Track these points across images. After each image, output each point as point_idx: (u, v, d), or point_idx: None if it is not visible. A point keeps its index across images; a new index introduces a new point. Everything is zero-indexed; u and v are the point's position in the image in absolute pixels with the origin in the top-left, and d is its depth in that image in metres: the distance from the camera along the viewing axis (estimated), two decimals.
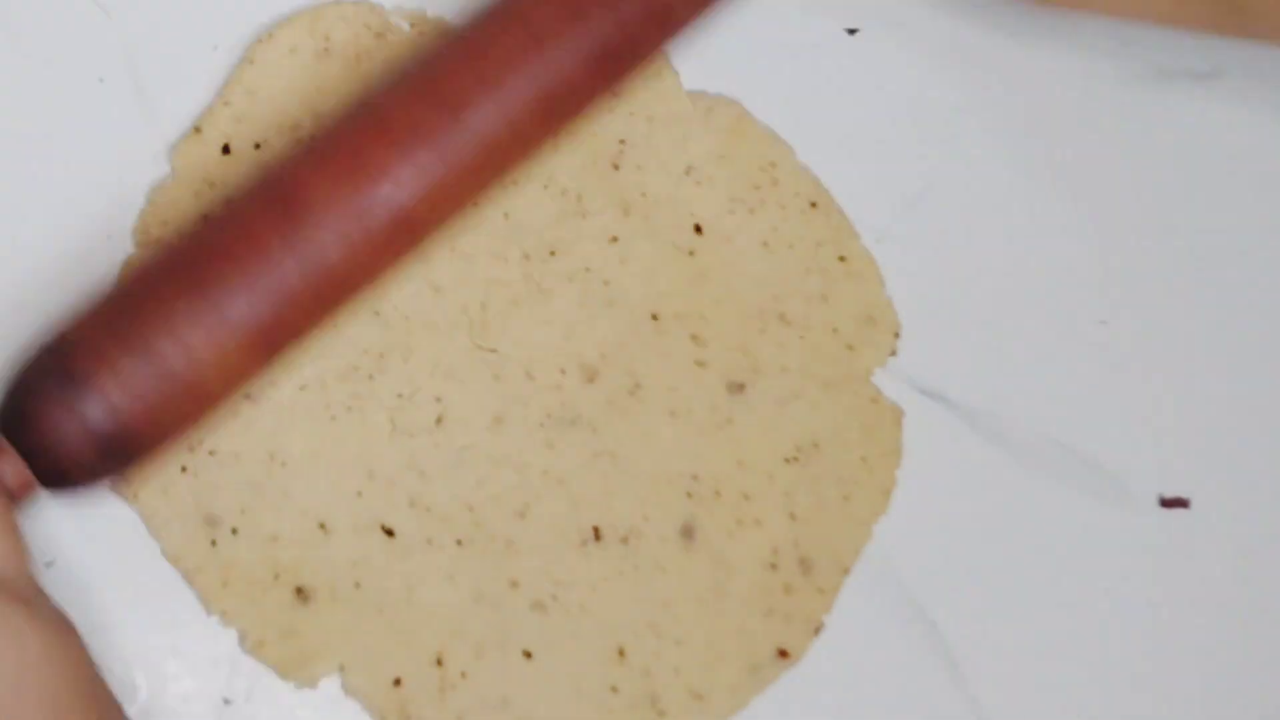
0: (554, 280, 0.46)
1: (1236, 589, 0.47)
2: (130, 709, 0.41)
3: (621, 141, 0.48)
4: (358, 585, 0.43)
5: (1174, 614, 0.47)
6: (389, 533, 0.43)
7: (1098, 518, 0.47)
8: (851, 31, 0.50)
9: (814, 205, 0.49)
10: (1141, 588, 0.47)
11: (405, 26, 0.48)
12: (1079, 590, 0.47)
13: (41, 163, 0.44)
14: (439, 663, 0.43)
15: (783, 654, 0.45)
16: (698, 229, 0.48)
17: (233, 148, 0.45)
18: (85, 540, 0.42)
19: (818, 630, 0.45)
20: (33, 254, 0.44)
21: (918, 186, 0.50)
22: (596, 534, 0.45)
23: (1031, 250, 0.50)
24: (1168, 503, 0.48)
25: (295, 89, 0.46)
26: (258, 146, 0.45)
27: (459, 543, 0.44)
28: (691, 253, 0.47)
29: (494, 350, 0.45)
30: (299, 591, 0.42)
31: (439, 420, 0.45)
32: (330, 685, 0.42)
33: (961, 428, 0.48)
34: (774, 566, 0.45)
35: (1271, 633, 0.47)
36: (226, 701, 0.42)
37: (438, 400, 0.45)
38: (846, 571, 0.46)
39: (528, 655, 0.43)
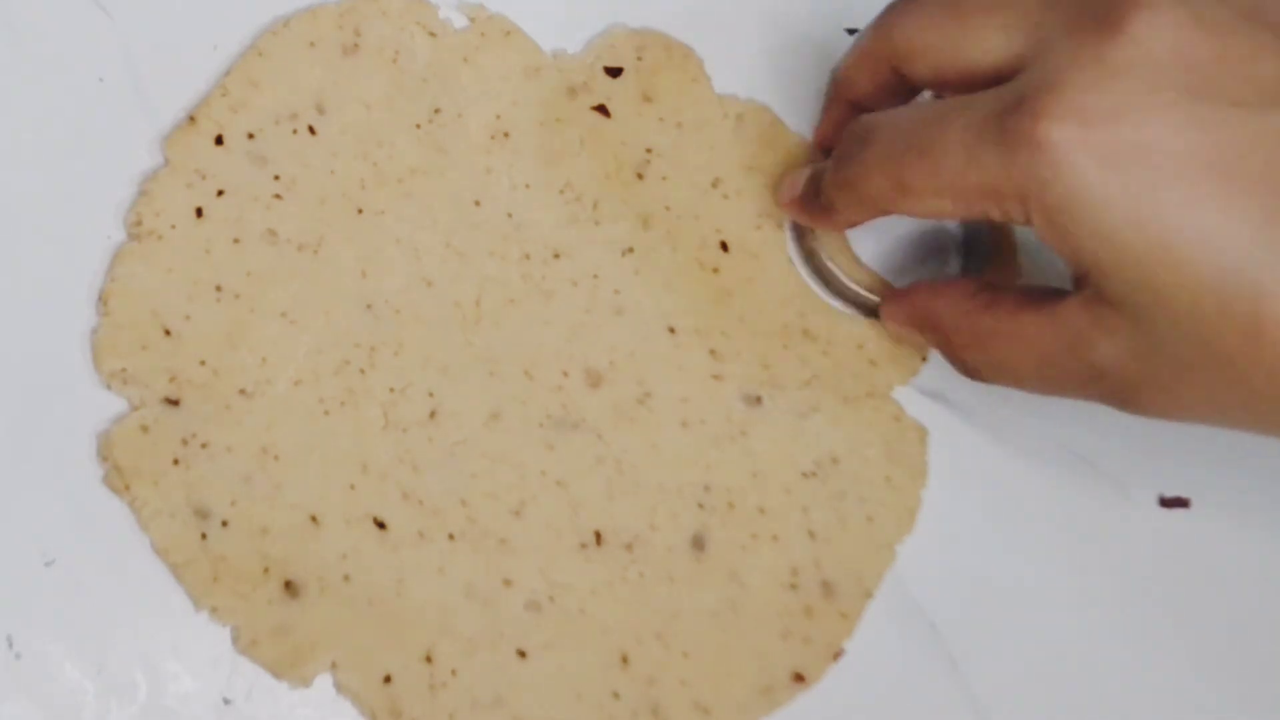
0: (556, 283, 0.46)
1: (1237, 589, 0.47)
2: (130, 709, 0.41)
3: (649, 150, 0.48)
4: (347, 578, 0.42)
5: (1174, 614, 0.47)
6: (380, 525, 0.43)
7: (1098, 518, 0.47)
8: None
9: None
10: (1141, 587, 0.47)
11: (463, 21, 0.48)
12: (1082, 593, 0.46)
13: (42, 160, 0.44)
14: (428, 659, 0.42)
15: (798, 678, 0.44)
16: (723, 246, 0.47)
17: (226, 138, 0.45)
18: (84, 539, 0.42)
19: (837, 656, 0.44)
20: (26, 246, 0.44)
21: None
22: (598, 538, 0.44)
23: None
24: (1167, 503, 0.47)
25: (305, 83, 0.46)
26: (251, 137, 0.45)
27: (451, 537, 0.43)
28: (716, 270, 0.47)
29: (488, 347, 0.45)
30: (288, 585, 0.42)
31: (432, 415, 0.44)
32: (328, 684, 0.42)
33: (962, 430, 0.47)
34: (794, 587, 0.45)
35: (1272, 632, 0.47)
36: (226, 701, 0.41)
37: (430, 395, 0.44)
38: (870, 596, 0.45)
39: (522, 655, 0.43)
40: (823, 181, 0.45)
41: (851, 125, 0.43)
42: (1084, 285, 0.39)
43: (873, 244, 0.48)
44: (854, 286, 0.47)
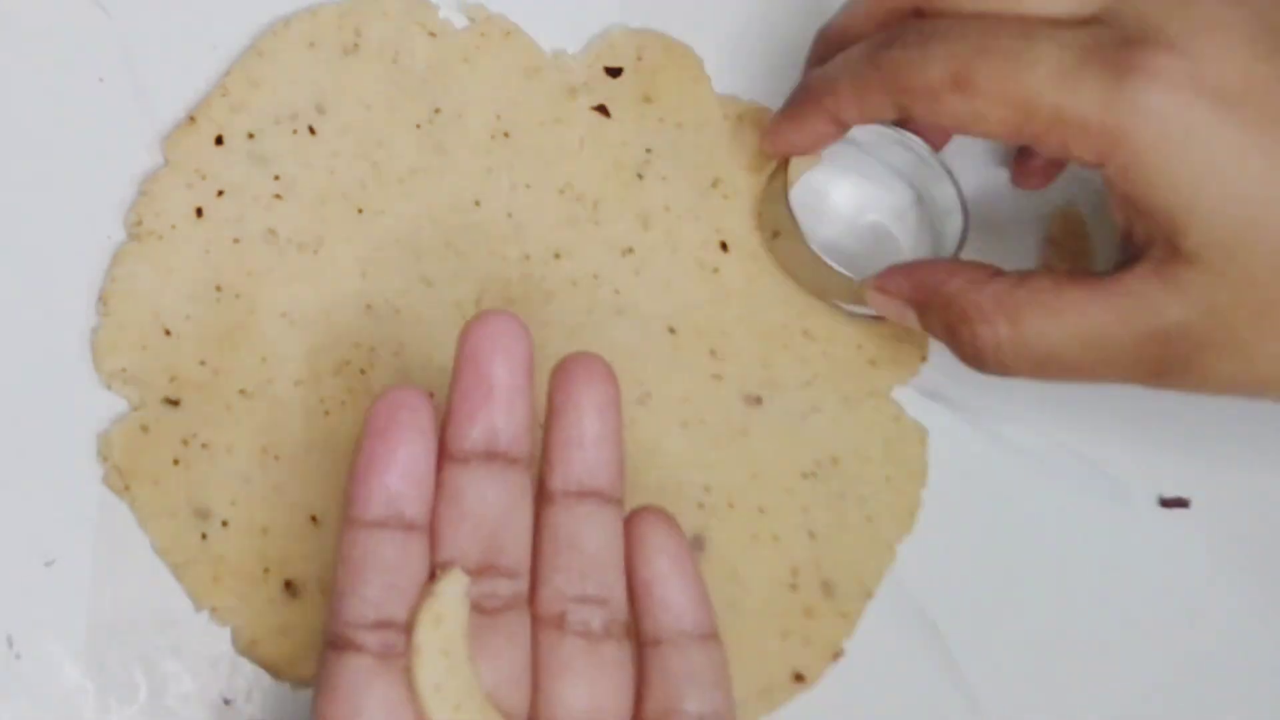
0: (556, 283, 0.46)
1: (1236, 589, 0.47)
2: (130, 709, 0.41)
3: (649, 150, 0.48)
4: None
5: (1174, 614, 0.47)
6: None
7: (1098, 518, 0.47)
8: None
9: None
10: (1141, 587, 0.47)
11: (463, 21, 0.48)
12: (1082, 593, 0.46)
13: (42, 159, 0.44)
14: None
15: (798, 678, 0.44)
16: (723, 246, 0.47)
17: (226, 138, 0.45)
18: (84, 539, 0.42)
19: (837, 656, 0.44)
20: (26, 246, 0.44)
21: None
22: None
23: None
24: (1168, 503, 0.47)
25: (305, 83, 0.46)
26: (251, 136, 0.45)
27: None
28: (716, 270, 0.47)
29: None
30: (288, 585, 0.42)
31: None
32: None
33: (962, 430, 0.47)
34: (794, 587, 0.44)
35: (1271, 632, 0.47)
36: (226, 701, 0.41)
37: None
38: (870, 595, 0.45)
39: None
40: (834, 63, 0.43)
41: (907, 23, 0.42)
42: (1148, 247, 0.39)
43: (823, 231, 0.48)
44: (834, 265, 0.46)
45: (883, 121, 0.44)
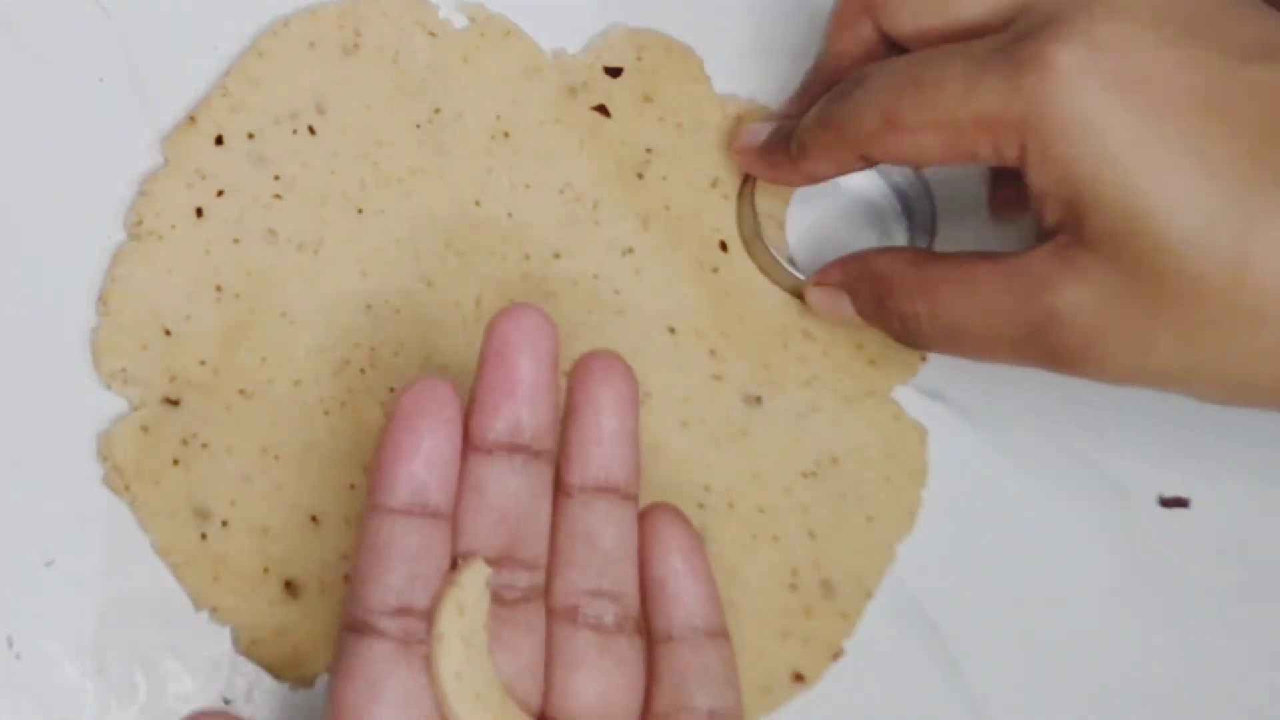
0: (556, 283, 0.46)
1: (1236, 589, 0.47)
2: (130, 709, 0.41)
3: (649, 150, 0.48)
4: (347, 579, 0.42)
5: (1174, 614, 0.47)
6: None
7: (1098, 518, 0.47)
8: None
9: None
10: (1141, 588, 0.47)
11: (463, 21, 0.48)
12: (1082, 592, 0.46)
13: (42, 159, 0.44)
14: None
15: (798, 678, 0.44)
16: (723, 246, 0.47)
17: (226, 138, 0.45)
18: (84, 539, 0.42)
19: (837, 656, 0.44)
20: (26, 246, 0.44)
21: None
22: None
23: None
24: (1168, 503, 0.47)
25: (305, 83, 0.46)
26: (251, 136, 0.45)
27: None
28: (715, 270, 0.47)
29: None
30: (288, 585, 0.42)
31: None
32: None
33: (962, 430, 0.47)
34: (794, 587, 0.45)
35: (1271, 632, 0.47)
36: (227, 701, 0.41)
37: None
38: (870, 595, 0.45)
39: None
40: (800, 127, 0.44)
41: (848, 74, 0.43)
42: (1057, 233, 0.39)
43: (810, 221, 0.49)
44: (788, 267, 0.47)
45: None
